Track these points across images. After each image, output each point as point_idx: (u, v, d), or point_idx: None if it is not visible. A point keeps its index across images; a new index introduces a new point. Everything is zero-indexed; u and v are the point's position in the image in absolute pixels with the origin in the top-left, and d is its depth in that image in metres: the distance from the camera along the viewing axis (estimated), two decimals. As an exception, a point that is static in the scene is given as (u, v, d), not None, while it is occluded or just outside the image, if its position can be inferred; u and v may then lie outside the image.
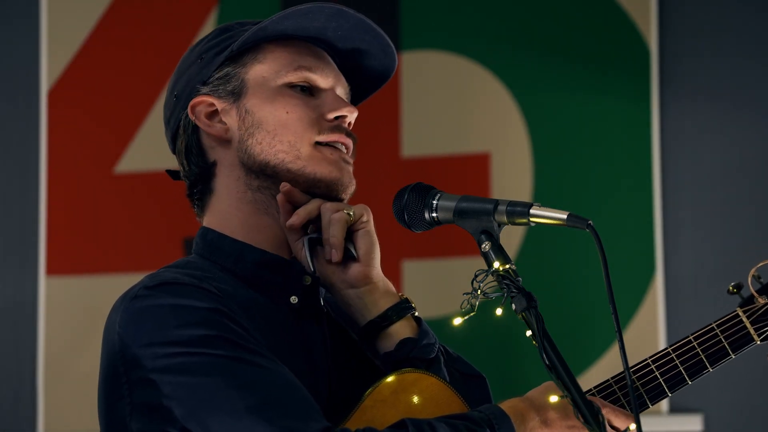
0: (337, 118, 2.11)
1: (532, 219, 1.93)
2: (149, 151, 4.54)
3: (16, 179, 4.66)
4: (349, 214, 2.07)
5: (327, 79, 2.13)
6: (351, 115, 2.12)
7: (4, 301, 4.61)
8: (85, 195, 4.61)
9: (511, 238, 4.29)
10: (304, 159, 2.07)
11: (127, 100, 4.60)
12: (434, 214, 2.02)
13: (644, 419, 1.93)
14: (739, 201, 4.25)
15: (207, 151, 2.12)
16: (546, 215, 1.92)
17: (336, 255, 2.06)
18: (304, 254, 2.07)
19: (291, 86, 2.10)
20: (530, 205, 1.94)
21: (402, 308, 2.08)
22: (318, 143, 2.08)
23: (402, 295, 2.11)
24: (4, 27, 4.71)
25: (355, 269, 2.08)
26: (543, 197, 4.33)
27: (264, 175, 2.08)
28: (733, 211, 4.25)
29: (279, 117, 2.08)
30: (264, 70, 2.10)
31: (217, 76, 2.11)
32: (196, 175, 2.13)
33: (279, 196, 2.07)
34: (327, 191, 2.09)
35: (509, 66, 4.41)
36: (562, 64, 4.37)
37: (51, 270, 4.58)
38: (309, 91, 2.12)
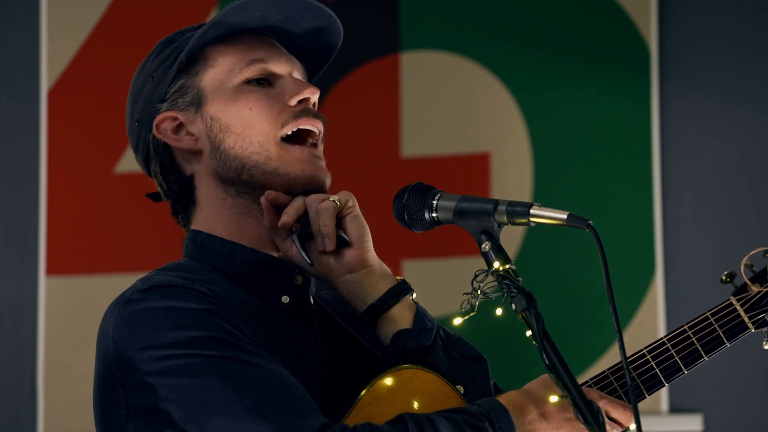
0: (300, 102, 2.10)
1: (532, 219, 1.93)
2: (149, 151, 4.54)
3: (16, 179, 4.66)
4: (335, 201, 2.07)
5: (281, 65, 2.12)
6: (313, 96, 2.11)
7: (4, 301, 4.61)
8: (85, 195, 4.61)
9: (511, 238, 4.29)
10: (275, 159, 2.07)
11: (127, 100, 4.60)
12: (434, 214, 2.02)
13: (644, 419, 1.93)
14: (739, 200, 4.25)
15: (182, 165, 2.12)
16: (546, 215, 1.92)
17: (330, 244, 2.05)
18: (296, 251, 2.07)
19: (248, 82, 2.09)
20: (530, 205, 1.94)
21: (400, 290, 2.08)
22: (284, 139, 2.07)
23: (398, 278, 2.11)
24: (4, 27, 4.71)
25: (350, 254, 2.07)
26: (543, 197, 4.33)
27: (240, 181, 2.08)
28: (733, 211, 4.25)
29: (243, 116, 2.07)
30: (217, 73, 2.10)
31: (173, 90, 2.11)
32: (177, 192, 2.14)
33: (263, 200, 2.06)
34: (304, 189, 2.08)
35: (509, 66, 4.41)
36: (562, 64, 4.37)
37: (51, 270, 4.58)
38: (267, 81, 2.11)
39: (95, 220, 4.59)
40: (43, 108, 4.63)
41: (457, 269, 4.33)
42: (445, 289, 4.33)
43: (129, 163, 4.58)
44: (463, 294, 1.95)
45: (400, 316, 2.06)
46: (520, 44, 4.40)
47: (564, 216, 1.90)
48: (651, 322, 4.21)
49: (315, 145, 2.11)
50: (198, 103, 2.09)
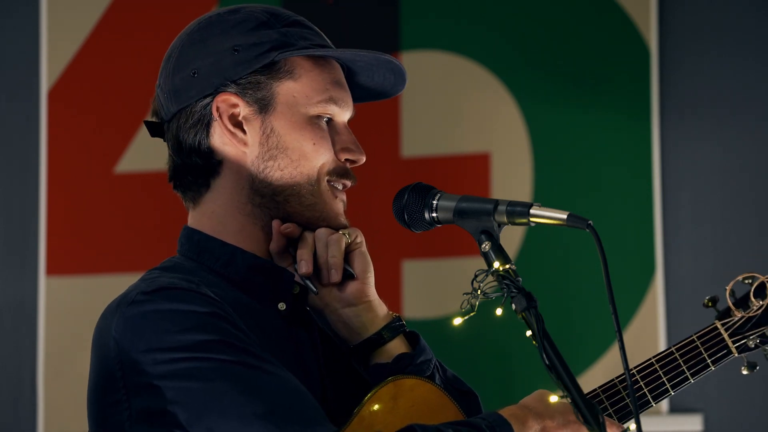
0: (347, 159, 2.10)
1: (532, 219, 1.93)
2: (149, 151, 4.54)
3: (16, 179, 4.66)
4: (345, 235, 2.08)
5: (346, 112, 2.11)
6: (360, 162, 2.12)
7: (4, 301, 4.61)
8: (85, 195, 4.61)
9: (511, 238, 4.29)
10: (317, 195, 2.06)
11: (127, 99, 4.60)
12: (434, 214, 2.02)
13: (644, 419, 1.93)
14: (739, 201, 4.25)
15: (215, 148, 2.07)
16: (546, 215, 1.92)
17: (336, 275, 2.06)
18: (300, 281, 2.08)
19: (319, 116, 2.08)
20: (530, 205, 1.94)
21: (395, 327, 2.08)
22: (328, 182, 2.08)
23: (393, 313, 2.11)
24: (4, 27, 4.71)
25: (352, 287, 2.08)
26: (543, 197, 4.33)
27: (274, 201, 2.06)
28: (733, 212, 4.24)
29: (304, 147, 2.05)
30: (296, 90, 2.06)
31: (249, 79, 2.05)
32: (195, 166, 2.09)
33: (275, 228, 2.06)
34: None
35: (509, 66, 4.41)
36: (562, 65, 4.37)
37: (51, 270, 4.58)
38: (330, 119, 2.10)
39: (95, 220, 4.59)
40: (43, 108, 4.63)
41: (457, 269, 4.32)
42: (445, 289, 4.33)
43: (129, 163, 4.58)
44: (463, 294, 1.95)
45: (396, 350, 2.06)
46: (520, 44, 4.40)
47: (564, 216, 1.90)
48: (651, 322, 4.20)
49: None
50: (266, 106, 2.06)
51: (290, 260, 2.08)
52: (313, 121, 2.07)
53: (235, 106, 2.06)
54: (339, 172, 2.09)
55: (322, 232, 2.07)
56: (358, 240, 2.09)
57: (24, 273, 4.60)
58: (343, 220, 2.10)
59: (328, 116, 2.09)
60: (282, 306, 2.05)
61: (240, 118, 2.06)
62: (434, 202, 2.02)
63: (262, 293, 2.05)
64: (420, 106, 4.45)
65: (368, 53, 2.10)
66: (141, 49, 4.62)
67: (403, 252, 4.37)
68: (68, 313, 4.54)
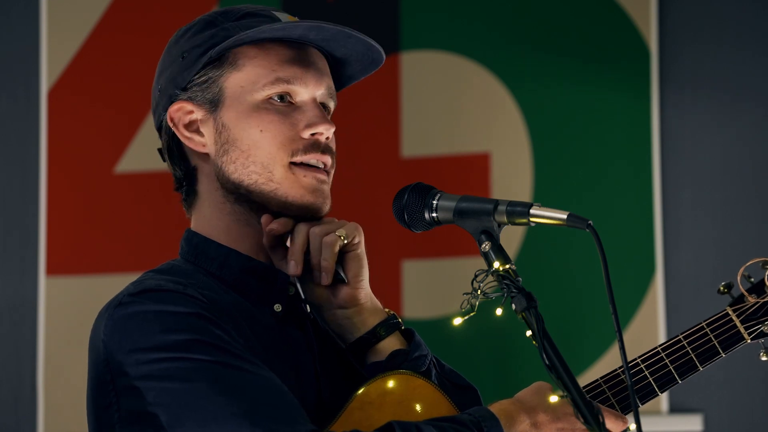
0: (313, 134, 2.06)
1: (532, 219, 1.93)
2: (149, 151, 4.52)
3: (16, 179, 4.66)
4: (341, 237, 2.05)
5: (307, 88, 2.07)
6: (327, 132, 2.07)
7: (4, 301, 4.60)
8: (85, 195, 4.61)
9: (511, 238, 4.29)
10: (277, 181, 2.04)
11: (127, 99, 4.60)
12: (434, 214, 2.02)
13: (644, 419, 1.93)
14: (739, 200, 4.25)
15: (188, 156, 2.10)
16: (546, 215, 1.92)
17: (326, 279, 2.05)
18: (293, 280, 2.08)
19: (268, 100, 2.05)
20: (530, 205, 1.94)
21: (390, 324, 2.08)
22: (293, 164, 2.04)
23: (389, 311, 2.11)
24: (4, 27, 4.71)
25: (343, 291, 2.08)
26: (543, 197, 4.32)
27: (240, 194, 2.06)
28: (733, 211, 4.24)
29: (252, 136, 2.04)
30: (242, 79, 2.05)
31: (196, 81, 2.06)
32: (180, 177, 2.12)
33: (264, 224, 2.05)
34: (298, 214, 2.06)
35: (509, 66, 4.41)
36: (562, 64, 4.37)
37: (51, 270, 4.58)
38: (289, 99, 2.06)
39: (95, 220, 4.59)
40: (43, 108, 4.63)
41: (457, 269, 4.32)
42: (445, 289, 4.33)
43: (129, 163, 4.58)
44: (463, 294, 1.95)
45: (390, 348, 2.07)
46: (520, 44, 4.40)
47: (564, 216, 1.90)
48: (651, 322, 4.20)
49: (323, 170, 2.08)
50: (216, 103, 2.06)
51: (284, 253, 2.07)
52: (261, 106, 2.04)
53: (190, 112, 2.07)
54: (306, 147, 2.05)
55: (316, 231, 2.05)
56: (356, 241, 2.07)
57: (24, 273, 4.60)
58: (310, 198, 2.05)
59: (281, 94, 2.04)
60: (278, 307, 2.05)
61: (198, 122, 2.07)
62: (434, 202, 2.02)
63: (256, 295, 2.05)
64: (420, 106, 4.45)
65: (299, 23, 2.05)
66: (141, 49, 4.62)
67: (403, 252, 4.37)
68: (68, 313, 4.54)
